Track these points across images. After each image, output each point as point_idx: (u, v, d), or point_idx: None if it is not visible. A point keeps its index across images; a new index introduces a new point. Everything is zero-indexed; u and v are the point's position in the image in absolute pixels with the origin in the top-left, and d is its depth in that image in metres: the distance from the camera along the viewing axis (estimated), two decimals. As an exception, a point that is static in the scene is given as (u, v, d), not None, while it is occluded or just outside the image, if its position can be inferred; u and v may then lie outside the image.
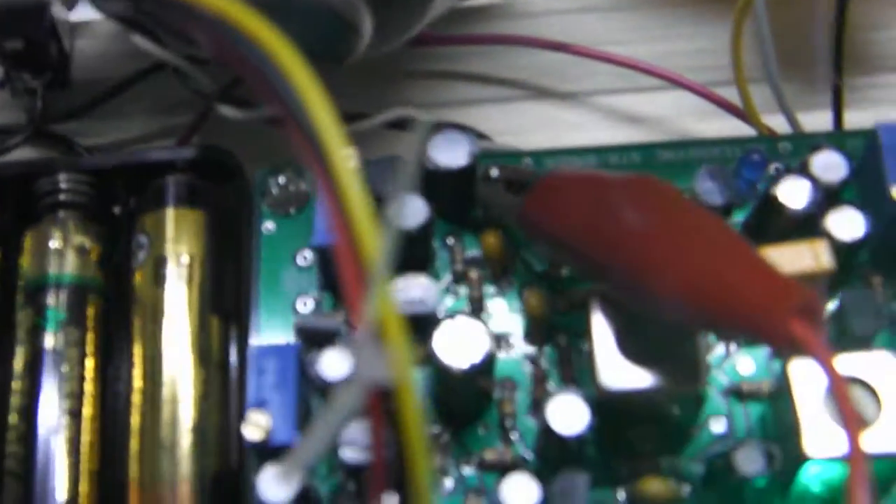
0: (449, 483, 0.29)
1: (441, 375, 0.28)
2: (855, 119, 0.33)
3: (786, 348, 0.23)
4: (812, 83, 0.35)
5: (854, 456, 0.22)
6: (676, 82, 0.34)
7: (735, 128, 0.34)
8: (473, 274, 0.31)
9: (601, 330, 0.27)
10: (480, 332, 0.27)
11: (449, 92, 0.36)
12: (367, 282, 0.19)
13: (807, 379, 0.26)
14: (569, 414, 0.27)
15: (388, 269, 0.19)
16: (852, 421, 0.22)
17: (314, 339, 0.29)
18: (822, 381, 0.25)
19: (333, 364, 0.27)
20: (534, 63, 0.36)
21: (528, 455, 0.29)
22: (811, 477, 0.26)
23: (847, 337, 0.28)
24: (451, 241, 0.31)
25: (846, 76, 0.33)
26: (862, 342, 0.28)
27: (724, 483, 0.27)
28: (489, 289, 0.30)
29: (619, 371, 0.26)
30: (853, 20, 0.34)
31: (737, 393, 0.29)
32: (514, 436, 0.29)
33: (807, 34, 0.36)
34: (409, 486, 0.20)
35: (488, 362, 0.27)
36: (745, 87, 0.33)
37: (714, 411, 0.29)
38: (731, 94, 0.34)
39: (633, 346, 0.26)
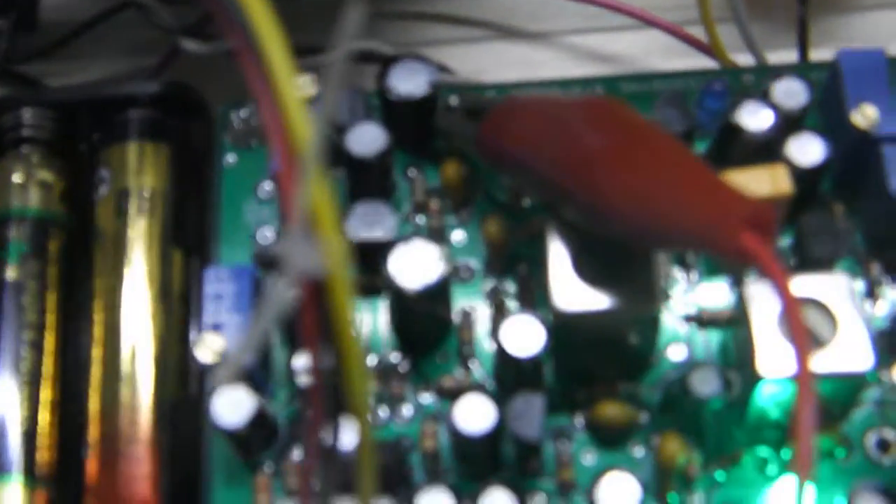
0: (407, 410, 0.29)
1: (398, 301, 0.28)
2: (820, 57, 0.33)
3: (737, 261, 0.23)
4: (778, 22, 0.35)
5: (802, 373, 0.22)
6: (644, 20, 0.34)
7: (702, 66, 0.34)
8: (434, 204, 0.30)
9: (557, 254, 0.26)
10: (434, 255, 0.27)
11: (417, 32, 0.36)
12: (298, 172, 0.18)
13: (763, 301, 0.26)
14: (524, 336, 0.27)
15: (320, 160, 0.18)
16: (800, 334, 0.22)
17: (273, 267, 0.29)
18: (777, 300, 0.25)
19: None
20: (502, 4, 0.36)
21: (488, 382, 0.29)
22: (766, 398, 0.26)
23: (807, 261, 0.28)
24: (412, 172, 0.31)
25: (812, 16, 0.33)
26: (822, 266, 0.28)
27: (681, 408, 0.27)
28: (450, 219, 0.30)
29: (574, 293, 0.26)
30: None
31: (697, 321, 0.29)
32: (472, 363, 0.29)
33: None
34: (345, 388, 0.20)
35: (442, 285, 0.27)
36: (712, 26, 0.32)
37: (674, 339, 0.29)
38: (698, 34, 0.34)
39: (589, 270, 0.26)
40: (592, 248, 0.26)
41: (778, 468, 0.27)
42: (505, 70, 0.35)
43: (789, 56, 0.34)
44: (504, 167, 0.28)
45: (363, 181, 0.30)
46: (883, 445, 0.27)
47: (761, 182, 0.28)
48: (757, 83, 0.31)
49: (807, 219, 0.28)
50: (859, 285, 0.29)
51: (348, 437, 0.26)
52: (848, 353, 0.25)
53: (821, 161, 0.28)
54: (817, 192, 0.29)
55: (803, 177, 0.28)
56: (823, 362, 0.25)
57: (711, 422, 0.27)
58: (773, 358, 0.25)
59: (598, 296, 0.26)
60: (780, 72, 0.30)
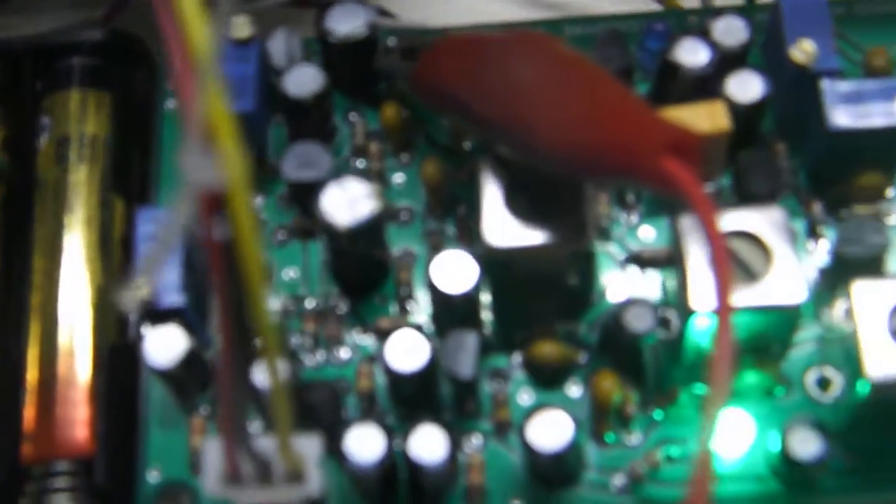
0: (345, 352, 0.28)
1: (331, 240, 0.27)
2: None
3: (659, 187, 0.23)
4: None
5: (721, 299, 0.21)
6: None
7: (648, 9, 0.33)
8: (374, 147, 0.30)
9: (490, 191, 0.26)
10: (365, 192, 0.27)
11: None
12: (196, 83, 0.18)
13: (696, 234, 0.26)
14: (455, 272, 0.26)
15: (217, 71, 0.18)
16: (721, 258, 0.22)
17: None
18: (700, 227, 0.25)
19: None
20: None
21: (426, 323, 0.28)
22: (699, 332, 0.26)
23: (747, 197, 0.28)
24: (353, 116, 0.31)
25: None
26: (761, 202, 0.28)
27: (618, 346, 0.27)
28: (391, 162, 0.30)
29: (505, 229, 0.26)
30: None
31: (637, 261, 0.29)
32: (410, 304, 0.29)
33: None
34: (250, 309, 0.19)
35: (375, 223, 0.27)
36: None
37: (614, 279, 0.29)
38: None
39: (521, 206, 0.26)
40: (525, 185, 0.26)
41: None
42: (449, 16, 0.35)
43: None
44: (440, 106, 0.28)
45: (302, 124, 0.30)
46: (823, 383, 0.27)
47: (700, 118, 0.27)
48: (700, 24, 0.30)
49: (746, 155, 0.28)
50: (801, 224, 0.29)
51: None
52: (781, 286, 0.25)
53: (760, 97, 0.28)
54: (759, 130, 0.29)
55: (743, 113, 0.28)
56: (756, 295, 0.25)
57: (647, 359, 0.27)
58: (704, 291, 0.25)
59: (529, 231, 0.26)
60: (722, 12, 0.30)
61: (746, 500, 0.26)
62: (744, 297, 0.25)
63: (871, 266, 0.27)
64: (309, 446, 0.25)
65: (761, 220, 0.26)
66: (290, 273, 0.29)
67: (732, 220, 0.26)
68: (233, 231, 0.19)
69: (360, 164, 0.30)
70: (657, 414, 0.27)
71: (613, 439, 0.27)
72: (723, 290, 0.21)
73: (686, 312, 0.25)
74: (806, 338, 0.28)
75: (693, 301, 0.25)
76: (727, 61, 0.28)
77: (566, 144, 0.24)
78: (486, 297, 0.28)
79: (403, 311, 0.28)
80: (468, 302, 0.26)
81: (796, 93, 0.28)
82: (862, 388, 0.25)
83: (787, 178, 0.29)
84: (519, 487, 0.27)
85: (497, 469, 0.27)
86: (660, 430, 0.27)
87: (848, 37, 0.30)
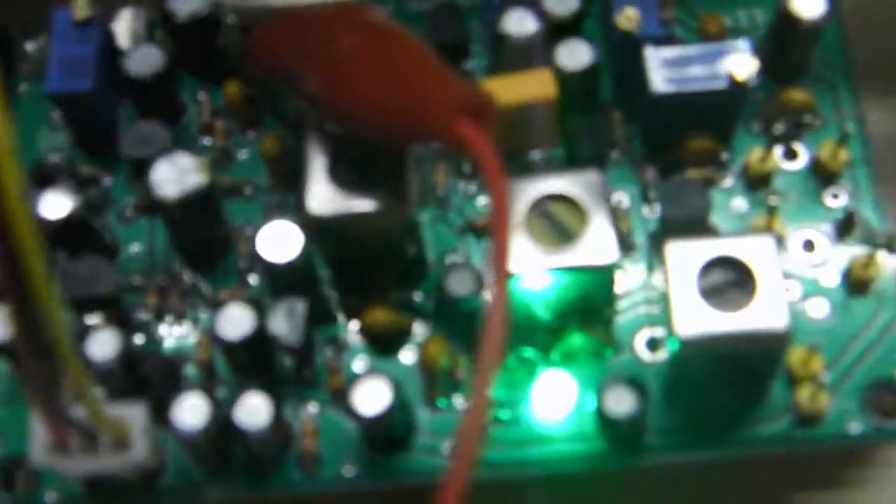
0: (187, 325, 0.29)
1: (167, 215, 0.28)
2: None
3: (456, 148, 0.24)
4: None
5: (497, 265, 0.22)
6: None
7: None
8: (219, 125, 0.31)
9: (315, 161, 0.26)
10: (194, 166, 0.27)
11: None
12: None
13: (518, 196, 0.26)
14: (281, 242, 0.27)
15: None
16: (501, 224, 0.22)
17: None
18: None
19: (55, 204, 0.28)
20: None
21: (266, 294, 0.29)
22: (520, 295, 0.26)
23: (575, 160, 0.28)
24: (201, 95, 0.31)
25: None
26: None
27: (449, 313, 0.28)
28: (237, 139, 0.31)
29: (327, 198, 0.26)
30: None
31: (472, 228, 0.29)
32: (251, 277, 0.29)
33: None
34: (26, 273, 0.20)
35: (205, 195, 0.27)
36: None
37: (450, 245, 0.29)
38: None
39: (345, 177, 0.26)
40: (349, 157, 0.26)
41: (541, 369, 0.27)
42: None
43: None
44: (275, 82, 0.28)
45: (148, 103, 0.30)
46: (652, 345, 0.28)
47: (528, 86, 0.28)
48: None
49: (574, 121, 0.28)
50: (635, 190, 0.29)
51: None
52: (595, 246, 0.25)
53: (588, 65, 0.28)
54: (594, 97, 0.30)
55: (573, 81, 0.28)
56: (571, 256, 0.25)
57: (474, 323, 0.27)
58: (523, 253, 0.25)
59: (350, 200, 0.26)
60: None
61: (573, 459, 0.27)
62: (559, 258, 0.25)
63: (695, 228, 0.27)
64: (135, 415, 0.25)
65: (578, 184, 0.26)
66: (136, 249, 0.29)
67: (551, 183, 0.26)
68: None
69: (206, 141, 0.31)
70: (490, 378, 0.28)
71: (445, 404, 0.27)
72: (499, 254, 0.21)
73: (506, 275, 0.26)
74: (636, 300, 0.28)
75: (512, 263, 0.25)
76: (559, 31, 0.29)
77: (372, 110, 0.24)
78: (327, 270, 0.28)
79: (244, 284, 0.29)
80: (296, 271, 0.27)
81: (624, 60, 0.29)
82: (672, 346, 0.25)
83: (621, 144, 0.29)
84: (352, 453, 0.27)
85: (331, 435, 0.27)
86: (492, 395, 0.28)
87: (687, 5, 0.31)
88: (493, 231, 0.22)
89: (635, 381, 0.26)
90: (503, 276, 0.21)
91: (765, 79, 0.30)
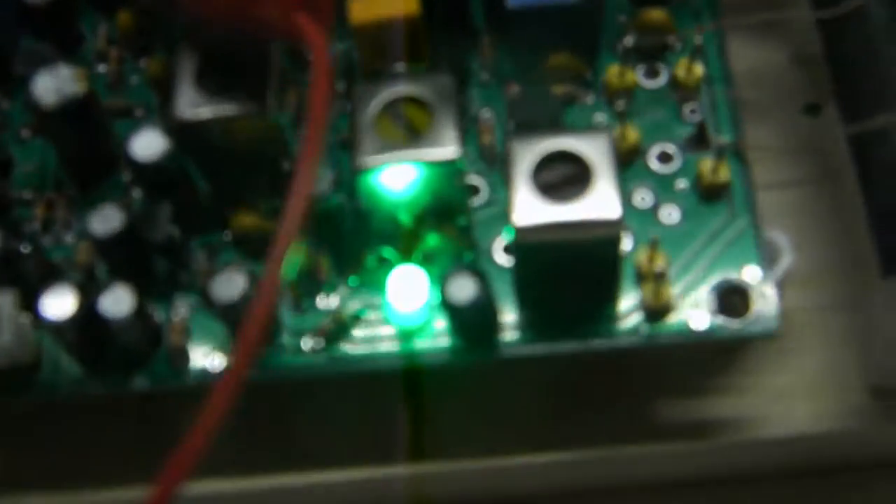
0: (71, 234, 0.30)
1: (47, 124, 0.29)
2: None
3: (297, 40, 0.25)
4: None
5: (304, 157, 0.23)
6: None
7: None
8: (114, 52, 0.32)
9: (185, 69, 0.28)
10: (72, 77, 0.28)
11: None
12: None
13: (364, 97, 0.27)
14: (150, 144, 0.28)
15: None
16: (317, 118, 0.23)
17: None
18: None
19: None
20: None
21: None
22: (369, 192, 0.27)
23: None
24: (101, 28, 0.33)
25: None
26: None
27: (315, 217, 0.29)
28: (130, 64, 0.32)
29: (194, 102, 0.27)
30: None
31: (343, 143, 0.30)
32: (134, 191, 0.30)
33: None
34: None
35: (84, 105, 0.29)
36: None
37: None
38: None
39: (213, 83, 0.28)
40: (216, 64, 0.28)
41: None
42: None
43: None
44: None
45: (46, 32, 0.32)
46: (508, 248, 0.29)
47: (389, 4, 0.29)
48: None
49: (438, 40, 0.30)
50: (501, 108, 0.30)
51: None
52: (438, 143, 0.27)
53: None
54: (465, 19, 0.31)
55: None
56: (416, 153, 0.27)
57: (332, 224, 0.29)
58: (368, 150, 0.27)
59: (214, 105, 0.27)
60: None
61: (430, 354, 0.28)
62: (405, 153, 0.27)
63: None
64: (2, 303, 0.27)
65: (428, 86, 0.27)
66: (29, 167, 0.31)
67: (401, 87, 0.27)
68: None
69: (101, 68, 0.32)
70: (352, 281, 0.29)
71: (312, 305, 0.29)
72: (310, 149, 0.23)
73: (353, 172, 0.27)
74: (496, 210, 0.29)
75: (358, 160, 0.27)
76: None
77: (217, 10, 0.26)
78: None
79: (129, 199, 0.30)
80: (163, 171, 0.28)
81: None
82: (508, 235, 0.26)
83: (489, 65, 0.31)
84: (221, 348, 0.28)
85: (201, 332, 0.29)
86: (353, 295, 0.29)
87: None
88: (307, 119, 0.23)
89: (476, 270, 0.27)
90: (309, 161, 0.23)
91: (629, 5, 0.31)
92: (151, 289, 0.29)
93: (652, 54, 0.31)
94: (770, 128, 0.33)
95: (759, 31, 0.34)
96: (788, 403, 0.30)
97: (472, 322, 0.27)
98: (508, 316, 0.28)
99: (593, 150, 0.26)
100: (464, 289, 0.27)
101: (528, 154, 0.26)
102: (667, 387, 0.30)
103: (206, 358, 0.28)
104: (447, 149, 0.27)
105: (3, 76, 0.32)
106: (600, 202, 0.26)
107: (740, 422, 0.30)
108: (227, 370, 0.22)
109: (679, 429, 0.30)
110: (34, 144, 0.31)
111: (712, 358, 0.30)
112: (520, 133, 0.27)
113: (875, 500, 0.31)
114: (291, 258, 0.22)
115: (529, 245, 0.26)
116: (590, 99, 0.30)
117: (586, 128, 0.29)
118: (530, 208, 0.26)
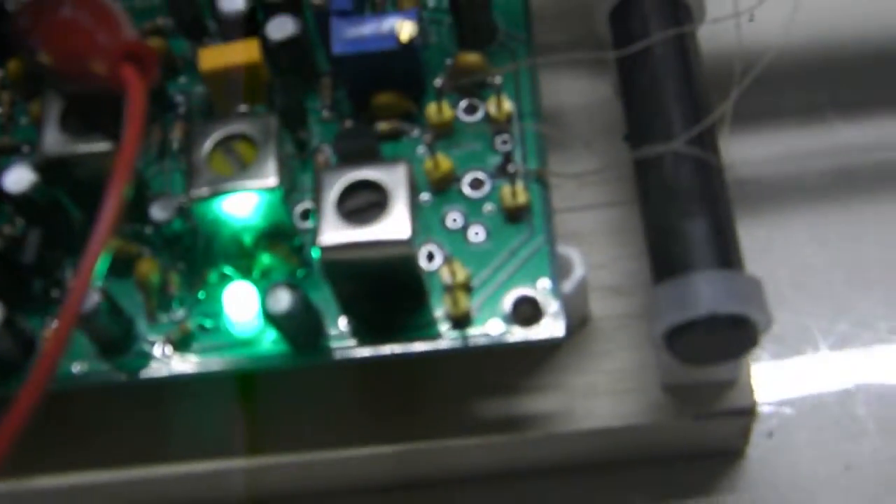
0: None
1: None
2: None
3: (119, 87, 0.29)
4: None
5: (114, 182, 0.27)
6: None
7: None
8: (5, 95, 0.36)
9: (50, 111, 0.32)
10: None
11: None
12: None
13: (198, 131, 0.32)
14: (19, 178, 0.32)
15: None
16: (126, 154, 0.27)
17: None
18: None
19: None
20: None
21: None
22: (205, 218, 0.31)
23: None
24: (-4, 73, 0.37)
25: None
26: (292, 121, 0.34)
27: (159, 235, 0.33)
28: (20, 107, 0.36)
29: (58, 140, 0.32)
30: None
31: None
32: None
33: None
34: None
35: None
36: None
37: (173, 186, 0.34)
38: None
39: (75, 122, 0.32)
40: (78, 107, 0.32)
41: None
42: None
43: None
44: (29, 56, 0.34)
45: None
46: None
47: (237, 52, 0.33)
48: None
49: (276, 84, 0.34)
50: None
51: None
52: (257, 173, 0.31)
53: (290, 35, 0.34)
54: (307, 65, 0.35)
55: (281, 51, 0.34)
56: (239, 182, 0.31)
57: (181, 246, 0.33)
58: (202, 183, 0.31)
59: (75, 143, 0.32)
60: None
61: (263, 358, 0.32)
62: (235, 182, 0.31)
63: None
64: None
65: (255, 125, 0.31)
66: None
67: (235, 125, 0.31)
68: None
69: (-10, 109, 0.37)
70: (200, 294, 0.33)
71: (161, 314, 0.33)
72: (119, 173, 0.27)
73: (191, 203, 0.31)
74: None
75: (192, 191, 0.31)
76: (273, 9, 0.34)
77: (64, 65, 0.30)
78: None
79: (13, 225, 0.34)
80: (31, 202, 0.32)
81: (321, 31, 0.34)
82: (315, 254, 0.30)
83: (329, 103, 0.35)
84: (82, 356, 0.32)
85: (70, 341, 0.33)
86: (199, 307, 0.33)
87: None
88: (118, 154, 0.27)
89: (292, 285, 0.31)
90: (117, 188, 0.27)
91: (454, 44, 0.35)
92: (27, 304, 0.33)
93: (471, 92, 0.34)
94: (590, 154, 0.37)
95: (584, 68, 0.38)
96: (593, 400, 0.34)
97: (295, 330, 0.31)
98: (336, 324, 0.32)
99: (391, 179, 0.30)
100: (280, 301, 0.31)
101: (334, 183, 0.30)
102: (481, 386, 0.34)
103: (72, 364, 0.33)
104: (268, 179, 0.31)
105: None
106: (393, 225, 0.30)
107: (549, 417, 0.34)
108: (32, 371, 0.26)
109: (493, 424, 0.33)
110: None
111: (523, 359, 0.34)
112: (329, 166, 0.31)
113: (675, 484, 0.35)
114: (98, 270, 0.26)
115: (334, 262, 0.30)
116: (415, 132, 0.34)
117: (387, 160, 0.33)
118: (333, 230, 0.30)
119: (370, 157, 0.33)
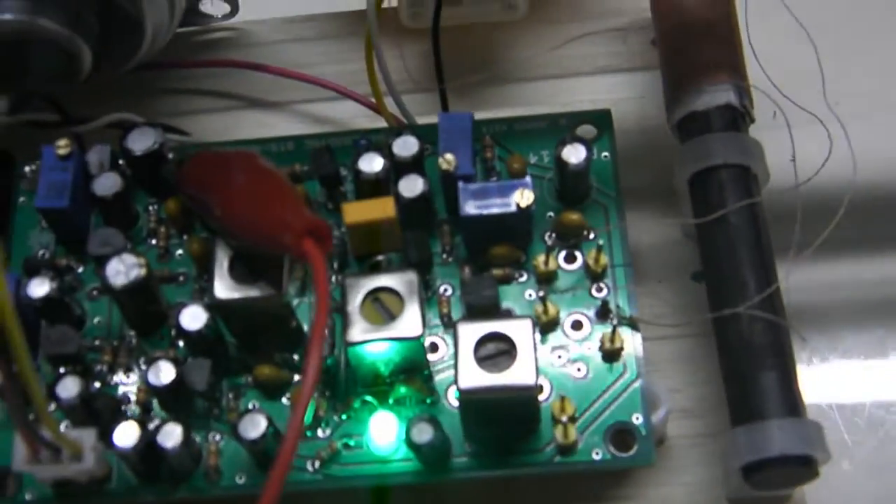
0: (131, 377, 0.40)
1: (116, 297, 0.39)
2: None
3: (302, 259, 0.35)
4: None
5: (314, 338, 0.33)
6: (345, 94, 0.46)
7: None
8: (162, 230, 0.42)
9: (220, 260, 0.38)
10: (136, 262, 0.38)
11: (179, 104, 0.48)
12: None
13: (354, 287, 0.37)
14: (194, 316, 0.38)
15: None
16: (321, 313, 0.33)
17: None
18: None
19: (39, 287, 0.39)
20: (246, 80, 0.48)
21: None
22: (354, 358, 0.37)
23: (408, 262, 0.39)
24: (151, 207, 0.43)
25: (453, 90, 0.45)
26: (417, 266, 0.39)
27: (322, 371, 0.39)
28: (175, 241, 0.42)
29: (229, 286, 0.37)
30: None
31: (337, 309, 0.40)
32: (179, 342, 0.40)
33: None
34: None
35: (145, 284, 0.38)
36: (380, 97, 0.44)
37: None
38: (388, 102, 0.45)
39: (241, 271, 0.38)
40: (244, 257, 0.38)
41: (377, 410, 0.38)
42: (249, 132, 0.47)
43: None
44: (193, 203, 0.39)
45: (110, 214, 0.42)
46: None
47: (373, 209, 0.39)
48: (387, 138, 0.42)
49: (407, 234, 0.39)
50: (456, 282, 0.40)
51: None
52: (406, 324, 0.37)
53: (419, 194, 0.39)
54: (432, 215, 0.41)
55: (411, 205, 0.40)
56: (389, 330, 0.37)
57: (330, 377, 0.39)
58: (357, 330, 0.37)
59: (243, 289, 0.37)
60: (401, 133, 0.41)
61: (400, 475, 0.38)
62: (384, 331, 0.37)
63: (491, 310, 0.39)
64: (87, 437, 0.37)
65: (399, 280, 0.37)
66: (98, 319, 0.41)
67: (383, 278, 0.37)
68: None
69: (153, 242, 0.42)
70: (344, 416, 0.39)
71: (311, 434, 0.38)
72: (317, 333, 0.32)
73: (346, 345, 0.37)
74: (449, 363, 0.39)
75: (348, 335, 0.37)
76: (401, 167, 0.40)
77: (248, 230, 0.36)
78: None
79: (173, 346, 0.40)
80: (204, 338, 0.38)
81: (447, 190, 0.40)
82: (456, 395, 0.36)
83: (448, 249, 0.41)
84: (245, 467, 0.38)
85: (230, 455, 0.38)
86: (343, 428, 0.39)
87: (506, 146, 0.42)
88: (315, 316, 0.33)
89: (433, 419, 0.37)
90: (318, 348, 0.32)
91: (555, 202, 0.41)
92: (193, 420, 0.39)
93: (571, 244, 0.40)
94: (663, 290, 0.43)
95: (659, 210, 0.44)
96: (669, 509, 0.40)
97: (429, 453, 0.37)
98: (459, 446, 0.38)
99: (518, 332, 0.36)
100: (423, 433, 0.36)
101: (472, 335, 0.36)
102: (577, 496, 0.40)
103: (234, 475, 0.38)
104: (413, 330, 0.37)
105: (77, 248, 0.42)
106: (521, 372, 0.36)
107: (632, 523, 0.40)
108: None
109: (586, 529, 0.40)
110: (101, 302, 0.41)
111: (614, 473, 0.40)
112: (464, 318, 0.37)
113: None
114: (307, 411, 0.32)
115: (470, 400, 0.36)
116: (523, 278, 0.40)
117: (514, 315, 0.39)
118: (471, 376, 0.36)
119: (492, 306, 0.39)
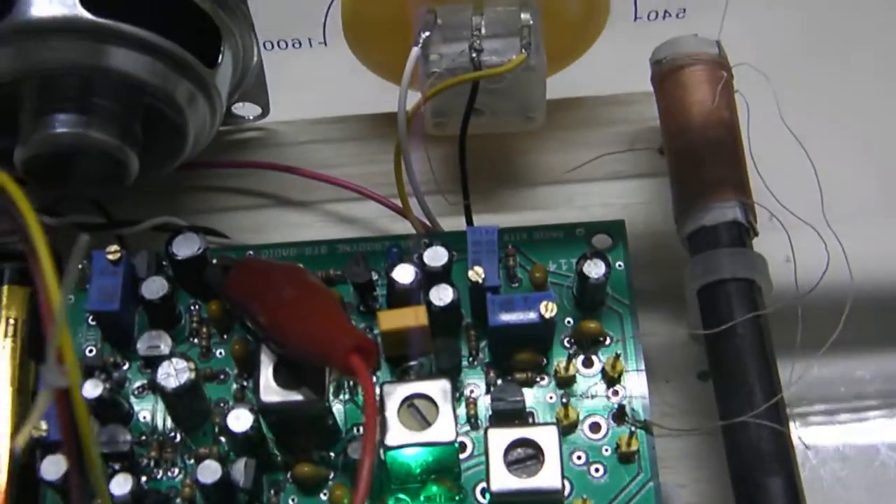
0: (178, 470, 0.42)
1: (165, 395, 0.42)
2: (483, 221, 0.47)
3: (348, 373, 0.38)
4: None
5: (366, 442, 0.36)
6: (369, 196, 0.49)
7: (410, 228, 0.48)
8: (204, 330, 0.45)
9: (265, 366, 0.41)
10: (186, 367, 0.41)
11: (212, 202, 0.51)
12: (53, 322, 0.32)
13: (392, 395, 0.40)
14: (241, 419, 0.41)
15: (64, 315, 0.32)
16: (370, 418, 0.36)
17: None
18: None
19: (91, 389, 0.42)
20: (276, 180, 0.51)
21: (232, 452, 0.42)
22: (392, 460, 0.40)
23: (438, 369, 0.42)
24: (193, 307, 0.45)
25: (474, 193, 0.48)
26: (448, 373, 0.42)
27: (351, 467, 0.41)
28: (216, 340, 0.45)
29: (274, 390, 0.40)
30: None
31: (371, 409, 0.43)
32: (223, 438, 0.43)
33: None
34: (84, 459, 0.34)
35: (193, 386, 0.41)
36: (406, 200, 0.47)
37: (355, 420, 0.43)
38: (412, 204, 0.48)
39: (283, 376, 0.40)
40: (286, 363, 0.40)
41: (411, 506, 0.41)
42: (276, 230, 0.50)
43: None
44: (236, 307, 0.42)
45: (156, 314, 0.44)
46: (484, 493, 0.41)
47: (407, 317, 0.42)
48: (417, 246, 0.45)
49: (438, 341, 0.42)
50: (483, 385, 0.43)
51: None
52: (440, 429, 0.39)
53: (449, 302, 0.42)
54: (459, 322, 0.44)
55: (441, 313, 0.42)
56: (426, 435, 0.39)
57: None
58: (394, 434, 0.39)
59: (286, 393, 0.40)
60: (433, 238, 0.44)
61: (430, 568, 0.41)
62: (420, 436, 0.39)
63: (517, 415, 0.42)
64: (141, 533, 0.39)
65: (433, 387, 0.40)
66: (144, 415, 0.43)
67: (418, 385, 0.40)
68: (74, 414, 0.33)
69: (194, 340, 0.45)
70: (377, 514, 0.41)
71: (348, 529, 0.41)
72: (368, 437, 0.35)
73: (383, 448, 0.39)
74: (478, 462, 0.42)
75: (386, 440, 0.39)
76: (431, 276, 0.43)
77: (296, 343, 0.38)
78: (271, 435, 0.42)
79: (217, 443, 0.43)
80: (249, 438, 0.41)
81: (475, 300, 0.43)
82: (486, 499, 0.39)
83: (475, 353, 0.44)
84: (283, 561, 0.41)
85: (271, 548, 0.41)
86: (379, 524, 0.41)
87: (527, 254, 0.45)
88: (365, 423, 0.36)
89: (462, 516, 0.39)
90: (370, 453, 0.35)
91: (573, 309, 0.44)
92: (230, 517, 0.41)
93: (589, 350, 0.43)
94: (669, 389, 0.46)
95: (668, 313, 0.47)
96: None
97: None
98: (487, 541, 0.41)
99: (545, 439, 0.39)
100: (454, 531, 0.39)
101: (502, 442, 0.39)
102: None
103: (274, 567, 0.41)
104: (447, 435, 0.39)
105: (123, 346, 0.44)
106: (549, 477, 0.39)
107: None
108: None
109: None
110: (147, 398, 0.44)
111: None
112: (501, 418, 0.40)
113: None
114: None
115: (501, 501, 0.39)
116: (544, 381, 0.43)
117: (539, 422, 0.42)
118: (502, 479, 0.39)
119: (519, 411, 0.42)
